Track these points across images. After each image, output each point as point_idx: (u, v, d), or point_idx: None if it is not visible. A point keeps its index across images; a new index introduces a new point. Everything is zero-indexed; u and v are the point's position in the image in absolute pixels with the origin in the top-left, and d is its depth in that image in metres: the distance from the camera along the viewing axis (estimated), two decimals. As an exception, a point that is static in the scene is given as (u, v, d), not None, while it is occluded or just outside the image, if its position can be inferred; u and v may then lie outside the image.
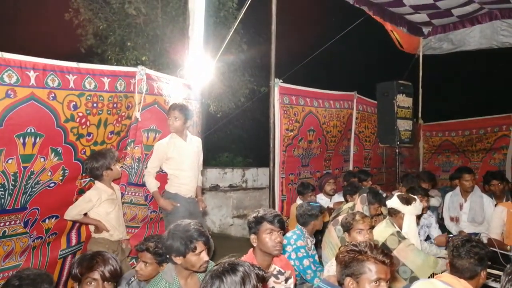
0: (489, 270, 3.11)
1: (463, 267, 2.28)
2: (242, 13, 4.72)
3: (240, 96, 9.40)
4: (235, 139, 11.47)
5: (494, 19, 6.77)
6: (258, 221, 2.57)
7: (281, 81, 4.85)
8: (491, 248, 3.29)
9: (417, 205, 3.46)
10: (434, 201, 5.15)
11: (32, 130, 2.83)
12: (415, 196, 3.60)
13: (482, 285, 2.40)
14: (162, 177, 3.79)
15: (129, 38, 8.04)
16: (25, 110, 2.76)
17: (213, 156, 10.14)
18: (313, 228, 3.59)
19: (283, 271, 2.71)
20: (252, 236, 2.60)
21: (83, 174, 3.31)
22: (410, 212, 3.40)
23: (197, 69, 4.21)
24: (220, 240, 6.19)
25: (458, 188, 4.95)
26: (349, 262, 1.81)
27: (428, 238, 4.30)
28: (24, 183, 2.88)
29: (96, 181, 3.30)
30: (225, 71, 8.58)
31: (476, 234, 4.24)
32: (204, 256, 2.33)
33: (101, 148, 3.35)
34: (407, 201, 3.42)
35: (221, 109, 9.47)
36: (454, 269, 2.32)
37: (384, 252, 1.85)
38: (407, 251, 3.11)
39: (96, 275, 2.11)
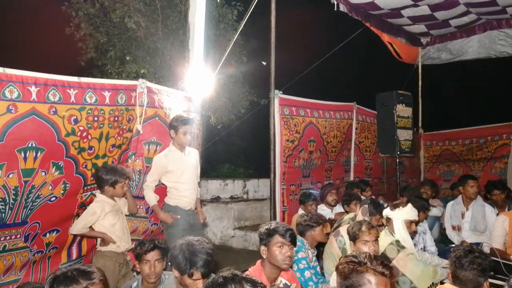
0: (491, 280, 3.09)
1: (466, 278, 2.27)
2: (242, 25, 4.77)
3: (240, 108, 9.44)
4: (236, 150, 11.47)
5: (492, 29, 6.84)
6: (270, 233, 2.59)
7: (281, 92, 4.88)
8: (493, 258, 3.30)
9: (406, 210, 3.45)
10: (436, 211, 5.14)
11: (33, 145, 2.84)
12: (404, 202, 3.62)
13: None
14: (161, 190, 3.79)
15: (129, 52, 8.12)
16: (26, 125, 2.78)
17: (214, 167, 10.14)
18: (313, 239, 3.53)
19: (289, 284, 2.71)
20: (262, 248, 2.61)
21: (84, 188, 3.32)
22: (396, 216, 3.40)
23: (197, 82, 4.24)
24: (222, 252, 6.16)
25: (459, 197, 4.95)
26: (349, 273, 1.79)
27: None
28: (25, 197, 2.88)
29: (97, 194, 3.31)
30: (226, 83, 8.63)
31: (478, 243, 4.24)
32: (199, 284, 2.29)
33: (103, 162, 3.37)
34: (394, 206, 3.46)
35: (222, 120, 9.50)
36: (457, 280, 2.31)
37: (384, 264, 1.83)
38: (406, 261, 3.09)
39: None
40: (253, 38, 8.94)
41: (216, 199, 7.69)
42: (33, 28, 9.02)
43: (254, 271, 2.56)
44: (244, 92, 9.51)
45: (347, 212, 4.49)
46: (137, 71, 7.88)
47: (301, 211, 4.72)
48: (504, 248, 3.99)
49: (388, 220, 3.47)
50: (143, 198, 3.74)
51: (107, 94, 3.27)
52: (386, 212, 3.49)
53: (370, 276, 1.75)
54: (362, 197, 4.74)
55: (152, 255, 2.74)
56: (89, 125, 3.17)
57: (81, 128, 3.10)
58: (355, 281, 1.76)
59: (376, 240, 3.03)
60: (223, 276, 1.65)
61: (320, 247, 3.90)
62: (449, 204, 5.03)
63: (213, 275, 2.51)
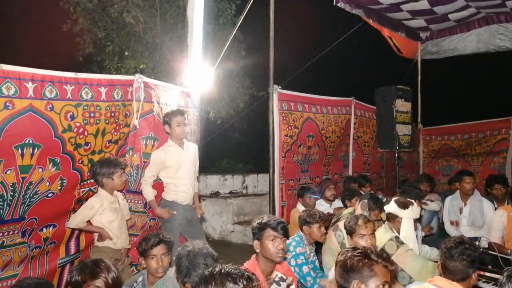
0: (489, 274, 3.11)
1: (455, 269, 2.29)
2: (241, 20, 4.75)
3: (239, 103, 9.43)
4: (235, 145, 11.48)
5: (491, 23, 6.81)
6: (262, 227, 2.59)
7: (280, 87, 4.87)
8: (491, 252, 3.32)
9: (414, 209, 3.46)
10: (434, 206, 5.15)
11: (30, 141, 2.85)
12: (412, 200, 3.59)
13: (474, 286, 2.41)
14: (159, 185, 3.80)
15: (128, 47, 8.09)
16: (23, 121, 2.78)
17: (213, 162, 10.14)
18: (309, 236, 3.53)
19: (284, 277, 2.72)
20: (255, 242, 2.62)
21: (81, 184, 3.32)
22: (407, 216, 3.39)
23: (196, 77, 4.23)
24: (221, 247, 6.19)
25: (457, 192, 4.95)
26: (357, 265, 1.86)
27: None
28: (23, 193, 2.89)
29: (99, 188, 3.32)
30: (224, 78, 8.61)
31: (476, 238, 4.24)
32: None
33: (99, 157, 3.36)
34: (404, 205, 3.42)
35: (221, 115, 9.50)
36: (446, 271, 2.33)
37: (389, 258, 1.93)
38: (405, 256, 3.10)
39: (100, 282, 2.08)
40: (252, 33, 8.90)
41: (215, 195, 7.71)
42: (30, 23, 8.97)
43: (249, 266, 2.57)
44: (243, 86, 9.50)
45: (346, 207, 4.49)
46: (136, 66, 7.86)
47: (299, 206, 4.73)
48: (502, 242, 4.00)
49: (392, 216, 3.45)
50: (140, 193, 3.75)
51: (103, 90, 3.27)
52: (394, 210, 3.43)
53: (378, 269, 1.83)
54: (362, 192, 4.74)
55: (158, 250, 2.73)
56: (85, 121, 3.17)
57: (78, 124, 3.11)
58: (365, 274, 1.83)
59: (373, 233, 3.04)
60: (209, 272, 1.67)
61: (319, 242, 3.91)
62: (447, 199, 5.04)
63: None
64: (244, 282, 1.62)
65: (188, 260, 2.25)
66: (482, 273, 3.15)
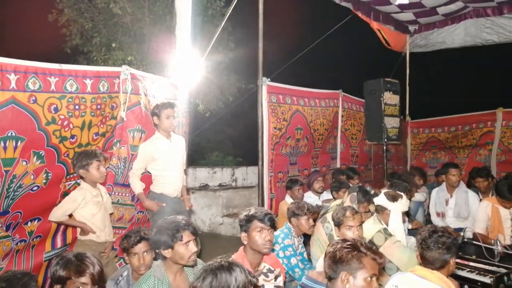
0: (474, 264, 3.17)
1: (433, 258, 2.33)
2: (230, 11, 4.70)
3: (228, 95, 9.38)
4: (224, 138, 11.43)
5: (478, 17, 6.86)
6: (249, 219, 2.61)
7: (269, 80, 4.86)
8: (475, 242, 3.38)
9: (403, 202, 3.49)
10: (419, 196, 5.21)
11: (13, 134, 2.79)
12: (402, 193, 3.62)
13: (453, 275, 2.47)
14: (147, 177, 3.77)
15: (115, 38, 7.96)
16: (5, 114, 2.73)
17: (203, 155, 10.11)
18: (297, 228, 3.56)
19: (272, 269, 2.74)
20: (243, 234, 2.63)
21: (67, 177, 3.28)
22: (396, 209, 3.42)
23: (184, 68, 4.19)
24: (210, 239, 6.20)
25: (444, 184, 5.02)
26: (346, 257, 1.90)
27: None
28: (7, 187, 2.84)
29: (81, 181, 3.27)
30: (213, 70, 8.54)
31: (461, 229, 4.32)
32: (193, 247, 2.33)
33: (85, 150, 3.32)
34: (393, 198, 3.44)
35: (210, 108, 9.44)
36: (425, 261, 2.38)
37: (377, 250, 1.99)
38: (393, 248, 3.13)
39: (86, 279, 2.06)
40: (241, 25, 8.83)
41: (204, 187, 7.69)
42: (14, 13, 8.75)
43: (237, 258, 2.58)
44: (232, 79, 9.44)
45: (335, 199, 4.52)
46: (124, 58, 7.74)
47: (288, 198, 4.74)
48: (486, 233, 4.08)
49: (381, 209, 3.47)
50: (128, 186, 3.73)
51: (88, 82, 3.22)
52: (383, 202, 3.46)
53: (367, 261, 1.89)
54: (350, 185, 4.76)
55: (140, 248, 2.73)
56: (70, 114, 3.12)
57: (62, 117, 3.06)
58: (354, 265, 1.88)
59: (360, 225, 3.06)
60: (227, 261, 1.70)
61: (308, 234, 3.93)
62: (434, 191, 5.11)
63: (201, 261, 2.54)
64: (249, 276, 1.68)
65: (165, 226, 2.34)
66: (466, 262, 3.21)
